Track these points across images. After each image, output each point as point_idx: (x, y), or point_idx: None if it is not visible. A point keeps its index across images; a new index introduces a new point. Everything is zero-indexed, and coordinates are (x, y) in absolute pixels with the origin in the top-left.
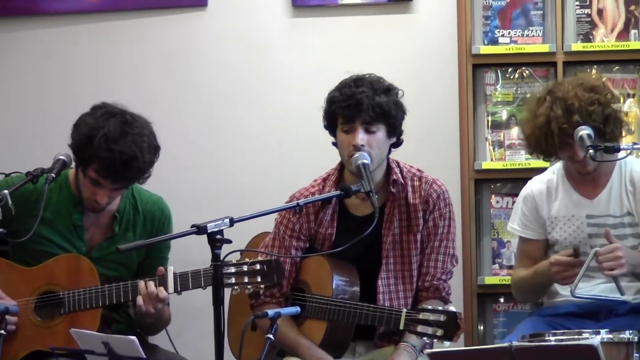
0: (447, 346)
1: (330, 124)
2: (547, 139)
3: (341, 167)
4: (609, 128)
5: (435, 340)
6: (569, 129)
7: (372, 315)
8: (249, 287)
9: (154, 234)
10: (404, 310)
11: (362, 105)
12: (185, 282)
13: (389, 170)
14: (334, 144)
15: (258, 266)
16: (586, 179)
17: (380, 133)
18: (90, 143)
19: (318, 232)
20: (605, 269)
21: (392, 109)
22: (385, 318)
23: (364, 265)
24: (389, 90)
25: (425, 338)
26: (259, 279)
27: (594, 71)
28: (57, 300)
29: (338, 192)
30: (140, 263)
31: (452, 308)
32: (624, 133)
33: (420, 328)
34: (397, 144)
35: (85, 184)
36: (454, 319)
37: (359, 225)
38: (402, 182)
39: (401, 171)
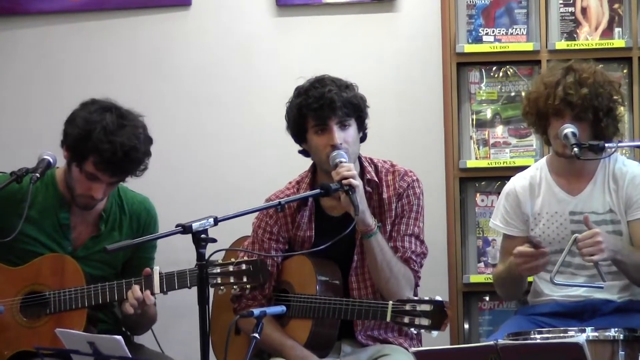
0: (435, 336)
1: (299, 130)
2: (547, 99)
3: (314, 169)
4: (606, 120)
5: (423, 330)
6: (574, 97)
7: (358, 310)
8: (235, 287)
9: (140, 234)
10: (390, 302)
11: (335, 103)
12: (171, 282)
13: (362, 168)
14: (301, 151)
15: (244, 266)
16: (570, 174)
17: (352, 128)
18: (88, 136)
19: (297, 235)
20: (586, 255)
21: (360, 102)
22: (372, 311)
23: (339, 264)
24: (349, 85)
25: (413, 330)
26: (245, 279)
27: None
28: (43, 300)
29: (318, 191)
30: (125, 263)
31: (438, 297)
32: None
33: (407, 319)
34: (363, 138)
35: (81, 180)
36: (440, 308)
37: (336, 226)
38: (377, 179)
39: (375, 167)
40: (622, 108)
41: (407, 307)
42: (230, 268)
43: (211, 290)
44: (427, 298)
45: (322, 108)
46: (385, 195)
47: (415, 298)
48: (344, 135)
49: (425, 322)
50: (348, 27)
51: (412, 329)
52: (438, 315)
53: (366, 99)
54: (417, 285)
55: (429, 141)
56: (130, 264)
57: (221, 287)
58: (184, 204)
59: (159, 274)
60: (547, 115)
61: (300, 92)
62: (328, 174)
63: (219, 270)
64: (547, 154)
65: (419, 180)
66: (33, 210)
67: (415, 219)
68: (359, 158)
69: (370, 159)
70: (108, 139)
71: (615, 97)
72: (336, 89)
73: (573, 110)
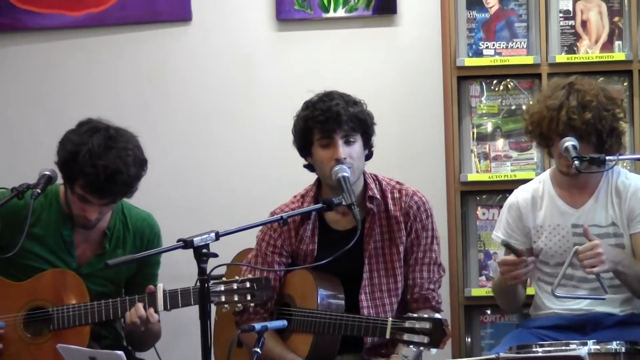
0: (433, 353)
1: (305, 143)
2: (550, 123)
3: (319, 183)
4: (610, 141)
5: (422, 348)
6: (578, 122)
7: (358, 326)
8: (238, 305)
9: (144, 251)
10: (390, 319)
11: (341, 117)
12: (175, 300)
13: (365, 185)
14: (306, 166)
15: (248, 284)
16: (572, 188)
17: (358, 144)
18: (74, 159)
19: (300, 248)
20: (586, 267)
21: (367, 118)
22: (372, 328)
23: (347, 280)
24: (357, 102)
25: (412, 346)
26: (249, 297)
27: None
28: (46, 316)
29: (320, 205)
30: (129, 279)
31: (437, 315)
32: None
33: (406, 336)
34: (369, 155)
35: (74, 201)
36: (439, 326)
37: (340, 240)
38: (381, 196)
39: (380, 185)
40: (625, 125)
41: (407, 324)
42: (234, 286)
43: (213, 306)
44: (426, 316)
45: (327, 121)
46: (392, 213)
47: (415, 315)
48: (349, 150)
49: (424, 339)
50: (348, 41)
51: (412, 347)
52: (437, 333)
53: (373, 116)
54: (441, 310)
55: (430, 155)
56: (134, 280)
57: (225, 306)
58: (188, 216)
59: (163, 291)
60: (550, 137)
61: (308, 105)
62: (332, 188)
63: (222, 288)
64: (547, 167)
65: (428, 200)
66: (37, 227)
67: (431, 243)
68: (363, 174)
69: (375, 176)
70: (92, 163)
71: (619, 116)
72: (343, 103)
73: (577, 133)
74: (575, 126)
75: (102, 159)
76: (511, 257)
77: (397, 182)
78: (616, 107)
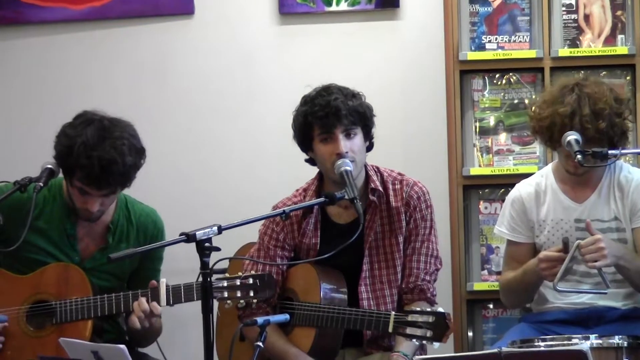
0: (436, 347)
1: (305, 138)
2: (562, 130)
3: (320, 177)
4: (620, 144)
5: (424, 341)
6: (591, 131)
7: (361, 320)
8: (241, 301)
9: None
10: (393, 313)
11: (341, 112)
12: (178, 294)
13: (367, 177)
14: (307, 160)
15: (251, 280)
16: (575, 182)
17: (358, 137)
18: (70, 153)
19: (302, 242)
20: (589, 261)
21: (366, 111)
22: (374, 322)
23: (347, 272)
24: (356, 94)
25: (415, 341)
26: (252, 294)
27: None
28: (49, 309)
29: (323, 199)
30: (132, 274)
31: (440, 309)
32: None
33: (409, 330)
34: (370, 147)
35: (75, 194)
36: (442, 320)
37: (342, 233)
38: (382, 188)
39: (381, 176)
40: (630, 125)
41: (409, 318)
42: (237, 282)
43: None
44: (429, 309)
45: (327, 116)
46: (393, 204)
47: (417, 309)
48: (350, 144)
49: (427, 333)
50: (351, 35)
51: (414, 340)
52: (440, 326)
53: (372, 108)
54: (435, 303)
55: (432, 149)
56: (138, 275)
57: (227, 302)
58: (189, 212)
59: (166, 286)
60: (559, 140)
61: (307, 101)
62: (334, 182)
63: (225, 284)
64: (550, 161)
65: (428, 191)
66: (41, 220)
67: (429, 234)
68: (365, 166)
69: (377, 168)
70: (87, 154)
71: (627, 117)
72: (342, 97)
73: (589, 139)
74: (589, 135)
75: (96, 150)
76: (553, 252)
77: (399, 173)
78: (626, 109)
